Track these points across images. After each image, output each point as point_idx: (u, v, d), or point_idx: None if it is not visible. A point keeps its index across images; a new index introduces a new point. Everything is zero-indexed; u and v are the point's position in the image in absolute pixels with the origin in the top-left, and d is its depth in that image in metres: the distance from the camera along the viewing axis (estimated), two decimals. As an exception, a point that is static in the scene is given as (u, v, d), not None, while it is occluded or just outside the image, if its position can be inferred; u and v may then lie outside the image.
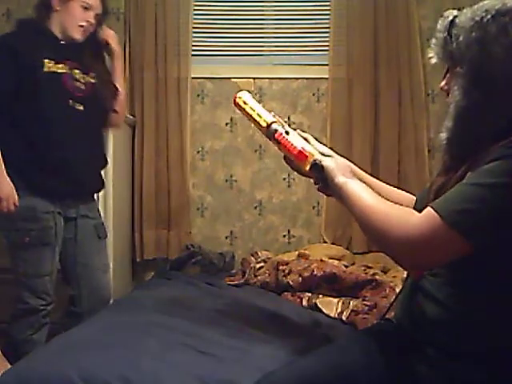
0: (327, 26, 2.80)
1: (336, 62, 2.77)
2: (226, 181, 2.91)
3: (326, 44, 2.81)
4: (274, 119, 1.33)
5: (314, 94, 2.89)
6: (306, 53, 2.90)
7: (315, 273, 2.02)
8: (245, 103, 1.39)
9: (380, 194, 1.10)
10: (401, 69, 2.73)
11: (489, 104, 1.00)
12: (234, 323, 1.60)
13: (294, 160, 1.27)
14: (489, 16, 0.99)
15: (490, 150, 0.97)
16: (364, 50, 2.73)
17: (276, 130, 1.30)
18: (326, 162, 1.20)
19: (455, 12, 1.09)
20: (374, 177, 1.41)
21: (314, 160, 1.21)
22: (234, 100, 1.41)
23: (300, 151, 1.24)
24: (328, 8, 2.80)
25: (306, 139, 1.30)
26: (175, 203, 2.80)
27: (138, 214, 2.80)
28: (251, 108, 1.37)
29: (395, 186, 1.41)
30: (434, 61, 1.13)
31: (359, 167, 1.37)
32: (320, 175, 1.20)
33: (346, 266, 2.26)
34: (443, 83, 1.13)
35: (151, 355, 1.29)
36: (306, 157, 1.23)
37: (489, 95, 1.00)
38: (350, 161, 1.29)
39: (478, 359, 0.99)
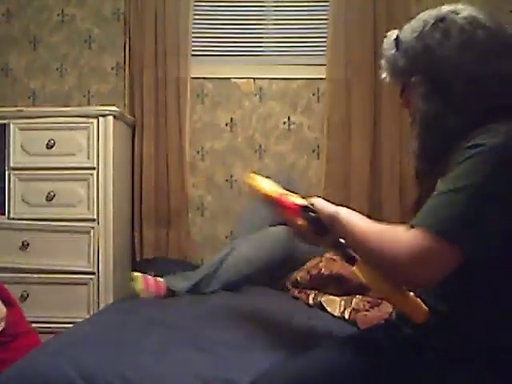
0: (327, 26, 2.80)
1: (334, 63, 2.76)
2: (226, 181, 2.91)
3: (326, 44, 2.80)
4: (282, 192, 1.32)
5: (314, 94, 2.89)
6: (306, 53, 2.90)
7: (322, 271, 2.01)
8: (254, 182, 1.42)
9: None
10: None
11: (449, 106, 1.04)
12: (234, 321, 1.60)
13: (289, 214, 1.25)
14: (429, 25, 1.06)
15: (455, 151, 1.00)
16: (363, 50, 2.73)
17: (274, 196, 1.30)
18: (314, 200, 1.21)
19: (396, 31, 1.16)
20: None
21: (304, 204, 1.20)
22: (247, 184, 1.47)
23: (293, 203, 1.23)
24: (327, 8, 2.80)
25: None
26: (175, 203, 2.79)
27: (137, 214, 2.79)
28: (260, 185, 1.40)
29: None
30: (387, 80, 1.18)
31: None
32: (310, 216, 1.19)
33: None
34: (401, 100, 1.17)
35: (151, 353, 1.29)
36: (299, 207, 1.22)
37: (448, 98, 1.04)
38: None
39: (477, 361, 0.99)
